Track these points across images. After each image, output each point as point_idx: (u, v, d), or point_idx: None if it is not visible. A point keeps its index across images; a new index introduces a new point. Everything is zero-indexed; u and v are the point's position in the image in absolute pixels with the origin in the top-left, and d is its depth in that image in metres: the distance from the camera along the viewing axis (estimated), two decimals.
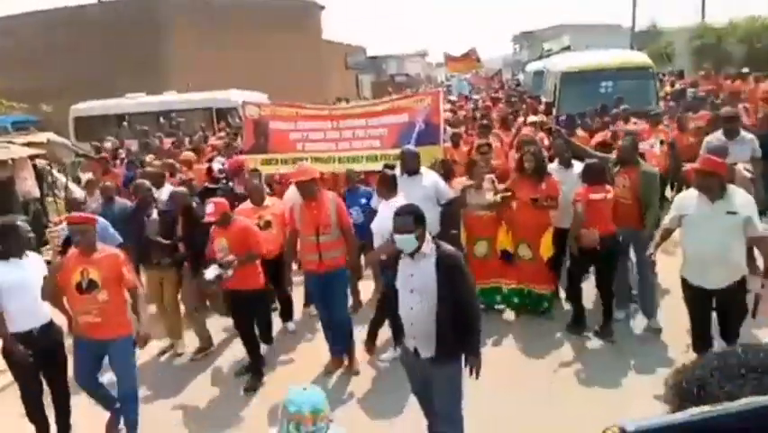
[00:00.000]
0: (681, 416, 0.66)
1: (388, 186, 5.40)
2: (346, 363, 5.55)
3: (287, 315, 6.49)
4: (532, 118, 9.69)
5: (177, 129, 15.40)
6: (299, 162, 6.41)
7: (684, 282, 4.87)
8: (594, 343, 5.70)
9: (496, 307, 6.45)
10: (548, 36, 41.91)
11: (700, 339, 4.96)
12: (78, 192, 8.80)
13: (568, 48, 29.83)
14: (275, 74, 26.17)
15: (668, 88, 13.80)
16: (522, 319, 6.28)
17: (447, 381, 3.74)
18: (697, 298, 4.85)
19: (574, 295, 5.91)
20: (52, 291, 4.45)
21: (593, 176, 5.65)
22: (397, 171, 5.93)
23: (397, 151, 6.61)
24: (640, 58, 13.06)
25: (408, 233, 3.57)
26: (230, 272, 5.15)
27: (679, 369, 1.16)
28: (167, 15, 27.43)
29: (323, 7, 36.69)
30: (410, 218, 3.60)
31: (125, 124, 16.73)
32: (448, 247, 3.74)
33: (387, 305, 4.01)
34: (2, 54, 24.24)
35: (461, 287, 3.64)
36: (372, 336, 5.72)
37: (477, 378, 3.70)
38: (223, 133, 14.00)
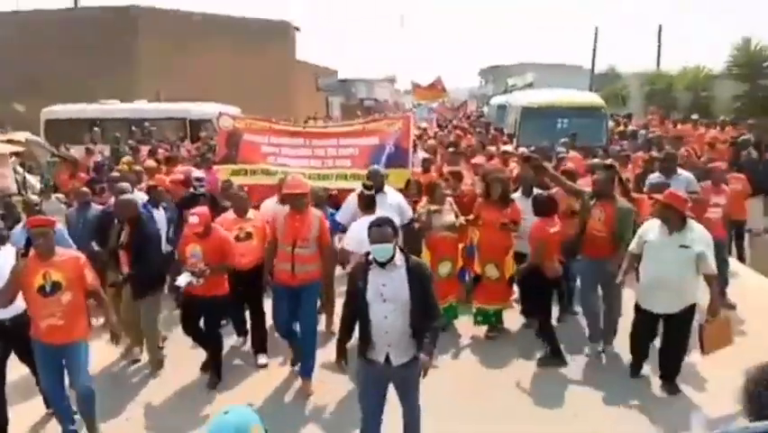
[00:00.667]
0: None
1: (366, 204, 5.63)
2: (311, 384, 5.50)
3: (259, 345, 6.20)
4: (505, 148, 10.06)
5: (149, 137, 15.67)
6: (290, 175, 6.35)
7: (636, 305, 5.28)
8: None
9: (455, 323, 6.74)
10: (513, 72, 43.31)
11: (634, 363, 5.43)
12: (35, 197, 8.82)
13: (531, 84, 31.18)
14: (246, 89, 26.54)
15: (621, 128, 14.81)
16: (482, 339, 6.58)
17: (416, 382, 3.99)
18: (642, 321, 5.24)
19: (547, 331, 5.94)
20: (14, 295, 4.46)
21: (542, 208, 5.84)
22: (355, 195, 6.16)
23: (366, 171, 6.81)
24: (594, 99, 14.15)
25: (386, 242, 3.74)
26: (201, 281, 5.26)
27: (746, 371, 1.67)
28: (141, 24, 27.67)
29: (297, 28, 37.40)
30: (387, 229, 3.78)
31: (96, 129, 16.91)
32: (414, 257, 3.99)
33: (349, 317, 4.04)
34: None
35: (430, 292, 3.87)
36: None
37: (423, 377, 3.92)
38: (199, 144, 14.38)
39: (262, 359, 6.11)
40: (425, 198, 6.70)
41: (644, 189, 6.73)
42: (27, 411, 5.16)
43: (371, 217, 4.98)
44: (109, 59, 25.47)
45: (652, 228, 5.09)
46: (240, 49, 29.73)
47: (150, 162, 9.53)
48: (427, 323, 3.86)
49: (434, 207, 6.50)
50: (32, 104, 18.51)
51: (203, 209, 5.65)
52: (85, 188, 7.34)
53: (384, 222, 3.88)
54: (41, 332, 4.44)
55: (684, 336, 5.13)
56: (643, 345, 5.42)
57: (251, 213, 6.19)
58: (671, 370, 5.28)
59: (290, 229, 5.30)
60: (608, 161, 7.15)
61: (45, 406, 5.11)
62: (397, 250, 3.83)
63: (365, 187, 5.99)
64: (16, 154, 9.71)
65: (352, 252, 5.46)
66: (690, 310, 5.05)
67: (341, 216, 6.37)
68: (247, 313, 6.43)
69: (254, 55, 30.44)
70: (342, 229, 6.30)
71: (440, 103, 26.83)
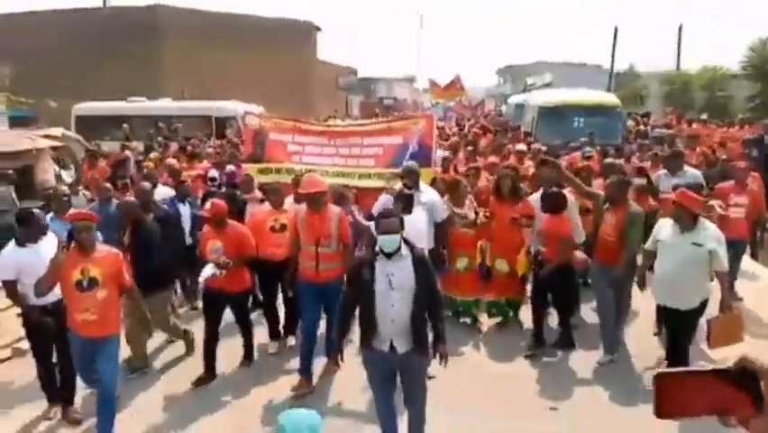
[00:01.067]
0: None
1: (404, 205, 5.48)
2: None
3: (272, 332, 6.35)
4: (519, 146, 10.05)
5: (175, 134, 16.20)
6: (307, 174, 6.32)
7: (657, 305, 5.54)
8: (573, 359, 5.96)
9: (470, 320, 6.82)
10: (530, 71, 43.45)
11: (669, 353, 5.42)
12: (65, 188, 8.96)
13: (549, 84, 31.31)
14: (268, 88, 27.11)
15: (641, 128, 14.96)
16: (497, 332, 6.69)
17: (421, 371, 4.08)
18: (664, 314, 5.47)
19: (537, 318, 6.17)
20: (52, 285, 4.47)
21: (551, 204, 5.94)
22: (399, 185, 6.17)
23: (390, 170, 7.03)
24: (609, 98, 14.39)
25: (394, 233, 3.89)
26: (223, 272, 5.37)
27: None
28: (166, 24, 28.42)
29: (319, 28, 37.92)
30: (395, 220, 3.94)
31: (125, 126, 17.52)
32: (418, 247, 4.11)
33: (352, 306, 4.17)
34: (14, 49, 24.91)
35: (434, 281, 4.03)
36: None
37: (445, 365, 3.99)
38: (222, 141, 14.83)
39: (272, 348, 6.23)
40: (447, 196, 6.80)
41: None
42: (26, 413, 5.12)
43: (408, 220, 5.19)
44: (135, 57, 26.22)
45: (664, 227, 5.18)
46: (262, 48, 30.35)
47: (171, 161, 9.62)
48: (432, 311, 4.00)
49: (455, 209, 6.61)
50: (61, 101, 19.16)
51: (219, 201, 5.79)
52: (107, 184, 7.38)
53: (391, 214, 4.04)
54: (76, 324, 4.52)
55: (692, 331, 5.23)
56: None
57: (286, 205, 6.25)
58: (677, 364, 5.25)
59: (310, 228, 5.35)
60: (640, 164, 7.23)
61: (47, 399, 5.10)
62: (403, 241, 3.96)
63: (405, 186, 5.93)
64: (54, 149, 10.20)
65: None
66: (702, 306, 5.13)
67: (375, 210, 6.25)
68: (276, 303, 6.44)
69: (276, 54, 31.02)
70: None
71: (457, 102, 27.08)
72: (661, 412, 0.86)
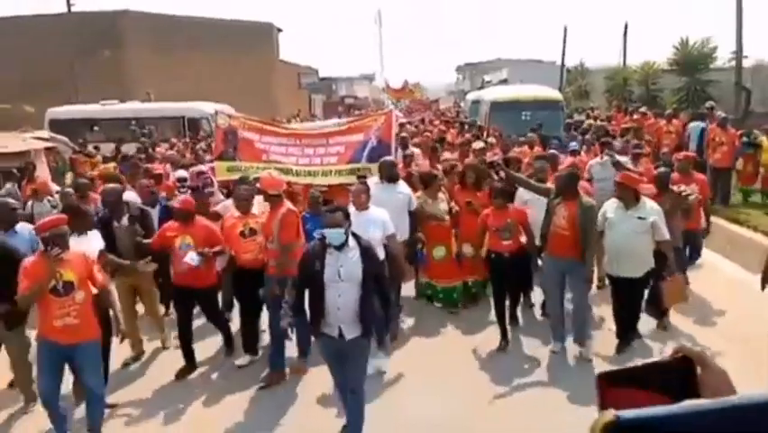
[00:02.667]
0: (677, 407, 0.63)
1: (365, 194, 5.65)
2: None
3: (249, 345, 5.98)
4: (477, 144, 10.09)
5: (148, 136, 16.96)
6: (267, 171, 6.23)
7: (608, 276, 5.96)
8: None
9: (449, 305, 7.05)
10: (488, 68, 45.28)
11: (618, 332, 5.84)
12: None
13: (505, 80, 33.01)
14: (232, 89, 27.83)
15: (591, 121, 16.32)
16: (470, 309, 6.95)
17: (363, 355, 4.34)
18: (615, 289, 5.84)
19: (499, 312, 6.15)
20: (34, 299, 4.36)
21: (499, 196, 6.08)
22: (375, 179, 6.43)
23: (349, 166, 7.37)
24: (552, 93, 15.87)
25: (339, 227, 4.05)
26: (203, 260, 5.45)
27: None
28: (131, 28, 28.90)
29: (280, 29, 38.75)
30: (340, 214, 4.12)
31: (97, 128, 18.20)
32: (364, 239, 4.32)
33: (301, 298, 4.35)
34: None
35: (382, 270, 4.27)
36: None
37: (393, 339, 4.59)
38: (186, 140, 15.57)
39: (242, 360, 5.90)
40: (420, 191, 6.98)
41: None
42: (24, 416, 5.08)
43: (366, 214, 5.50)
44: (100, 61, 26.67)
45: (610, 207, 5.67)
46: (225, 50, 31.06)
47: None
48: (382, 299, 4.27)
49: (430, 201, 6.84)
50: (36, 106, 19.72)
51: (187, 197, 5.98)
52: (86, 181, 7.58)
53: (336, 208, 4.28)
54: (55, 331, 4.35)
55: (641, 297, 5.81)
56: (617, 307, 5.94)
57: (256, 209, 5.98)
58: (627, 327, 5.85)
59: (266, 225, 5.55)
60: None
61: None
62: (350, 234, 4.15)
63: (360, 177, 6.25)
64: (48, 150, 11.01)
65: None
66: (647, 276, 5.66)
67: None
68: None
69: (239, 55, 31.79)
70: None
71: (413, 100, 29.79)
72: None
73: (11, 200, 6.27)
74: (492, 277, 6.25)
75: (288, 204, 5.65)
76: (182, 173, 8.02)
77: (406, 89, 29.49)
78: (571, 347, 5.84)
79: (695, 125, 11.91)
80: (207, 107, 17.96)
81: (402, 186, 6.64)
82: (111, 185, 6.54)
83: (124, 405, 5.19)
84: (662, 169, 6.72)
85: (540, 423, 4.65)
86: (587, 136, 11.53)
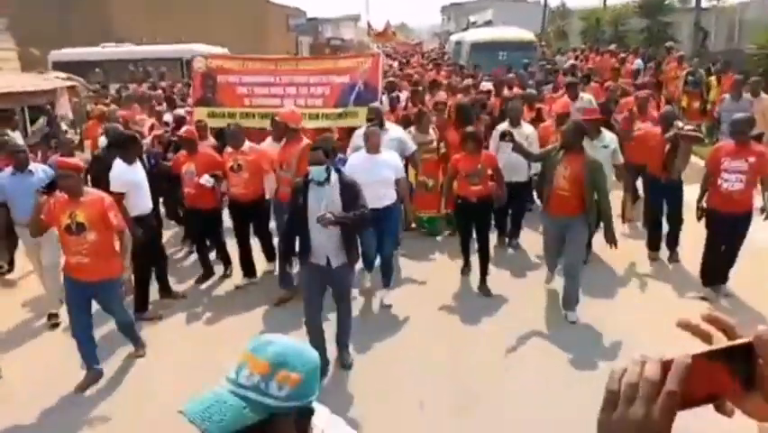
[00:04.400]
0: None
1: (376, 141, 5.79)
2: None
3: (246, 269, 6.63)
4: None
5: (147, 76, 17.95)
6: (286, 108, 6.77)
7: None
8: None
9: (434, 232, 7.68)
10: (472, 9, 45.63)
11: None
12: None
13: (490, 22, 33.76)
14: (222, 32, 28.35)
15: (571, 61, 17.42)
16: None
17: (348, 279, 4.82)
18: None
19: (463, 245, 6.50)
20: (38, 229, 4.80)
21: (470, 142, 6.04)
22: (362, 129, 6.31)
23: (337, 110, 7.44)
24: (527, 35, 17.23)
25: (321, 164, 4.40)
26: (217, 184, 6.26)
27: None
28: None
29: None
30: (321, 153, 4.44)
31: (98, 70, 19.10)
32: (346, 175, 4.68)
33: (291, 231, 4.75)
34: None
35: (359, 202, 4.54)
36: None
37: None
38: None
39: (244, 280, 6.58)
40: (413, 126, 7.44)
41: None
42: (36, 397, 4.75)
43: (377, 157, 5.69)
44: (93, 8, 27.13)
45: None
46: None
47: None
48: (360, 228, 4.78)
49: (421, 135, 7.26)
50: (40, 49, 20.51)
51: (191, 128, 6.71)
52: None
53: (318, 146, 4.59)
54: (71, 267, 4.68)
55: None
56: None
57: (246, 147, 6.35)
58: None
59: (281, 154, 6.20)
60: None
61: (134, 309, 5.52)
62: (332, 170, 4.52)
63: (372, 125, 6.23)
64: (71, 87, 12.18)
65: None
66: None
67: (350, 151, 6.64)
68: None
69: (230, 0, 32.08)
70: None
71: (398, 42, 30.96)
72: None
73: (15, 141, 6.99)
74: (458, 220, 6.50)
75: (306, 139, 6.19)
76: (168, 117, 8.19)
77: (388, 32, 29.44)
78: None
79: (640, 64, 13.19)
80: (202, 49, 18.85)
81: (393, 131, 6.71)
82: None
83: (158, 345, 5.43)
84: (667, 108, 7.35)
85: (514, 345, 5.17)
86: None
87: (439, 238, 7.72)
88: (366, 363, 5.02)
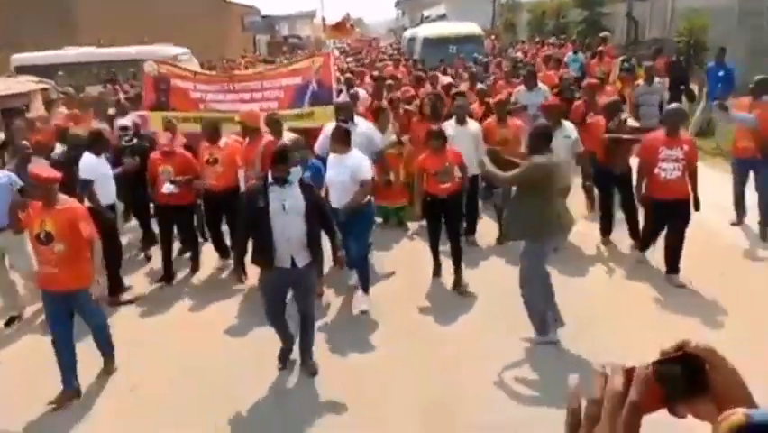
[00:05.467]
0: None
1: (343, 140, 5.56)
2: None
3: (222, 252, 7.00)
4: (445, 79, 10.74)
5: (114, 78, 18.41)
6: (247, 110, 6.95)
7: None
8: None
9: (398, 223, 7.85)
10: (427, 3, 46.74)
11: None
12: None
13: (444, 16, 34.89)
14: (180, 33, 28.78)
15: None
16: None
17: (313, 280, 4.80)
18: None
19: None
20: (15, 224, 5.27)
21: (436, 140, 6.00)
22: (331, 125, 6.26)
23: (291, 111, 7.40)
24: (474, 29, 18.55)
25: (296, 165, 4.74)
26: (178, 189, 6.43)
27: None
28: None
29: None
30: (296, 154, 4.83)
31: (60, 73, 19.43)
32: (305, 176, 4.93)
33: (245, 232, 4.67)
34: None
35: (322, 202, 4.71)
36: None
37: (342, 267, 5.19)
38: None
39: (220, 262, 7.03)
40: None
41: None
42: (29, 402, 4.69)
43: (347, 159, 5.53)
44: (51, 9, 27.21)
45: None
46: None
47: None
48: (325, 227, 4.71)
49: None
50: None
51: (167, 133, 6.99)
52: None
53: (293, 148, 4.84)
54: (42, 278, 4.64)
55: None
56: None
57: (223, 141, 6.68)
58: None
59: (245, 153, 6.48)
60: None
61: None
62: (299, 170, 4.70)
63: (340, 121, 6.32)
64: (44, 90, 12.73)
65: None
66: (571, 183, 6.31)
67: (318, 147, 6.59)
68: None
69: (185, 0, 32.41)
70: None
71: (353, 39, 30.06)
72: None
73: None
74: (428, 219, 6.22)
75: (268, 135, 6.33)
76: (124, 122, 7.78)
77: (346, 26, 28.75)
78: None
79: (572, 57, 14.10)
80: (168, 50, 19.45)
81: (362, 125, 6.63)
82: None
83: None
84: (614, 98, 7.51)
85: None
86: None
87: (413, 226, 7.74)
88: (335, 368, 4.89)
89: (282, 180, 4.41)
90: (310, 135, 6.96)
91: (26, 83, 12.42)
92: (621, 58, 13.13)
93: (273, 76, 7.76)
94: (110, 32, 26.14)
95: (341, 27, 27.78)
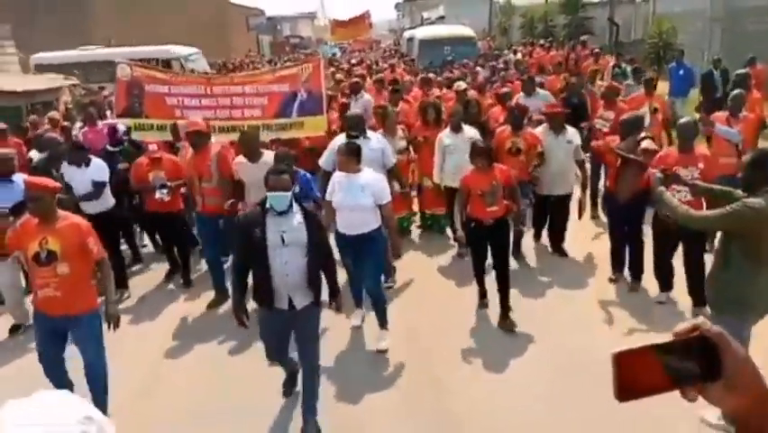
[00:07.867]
0: None
1: (353, 158, 4.98)
2: None
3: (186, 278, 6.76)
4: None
5: None
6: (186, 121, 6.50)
7: (535, 193, 6.58)
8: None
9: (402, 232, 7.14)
10: (426, 5, 47.90)
11: (536, 233, 6.93)
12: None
13: (443, 17, 36.05)
14: (187, 33, 29.88)
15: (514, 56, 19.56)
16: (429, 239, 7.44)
17: (315, 326, 4.09)
18: (540, 203, 6.61)
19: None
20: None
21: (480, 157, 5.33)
22: (341, 137, 5.97)
23: (278, 121, 6.97)
24: (468, 31, 19.88)
25: (285, 190, 3.76)
26: (170, 196, 6.27)
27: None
28: None
29: None
30: (285, 177, 3.80)
31: (76, 71, 20.59)
32: (308, 204, 4.39)
33: (244, 266, 4.04)
34: None
35: (325, 236, 4.12)
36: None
37: (340, 311, 4.29)
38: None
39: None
40: (380, 129, 7.09)
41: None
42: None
43: (356, 179, 4.90)
44: (64, 7, 28.40)
45: (544, 135, 6.39)
46: None
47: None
48: (325, 265, 4.05)
49: (389, 138, 6.77)
50: (21, 51, 21.93)
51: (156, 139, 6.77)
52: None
53: (281, 170, 3.90)
54: (39, 302, 4.13)
55: (568, 212, 6.59)
56: (542, 223, 6.89)
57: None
58: (560, 238, 6.75)
59: (197, 165, 5.94)
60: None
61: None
62: (293, 198, 3.89)
63: (350, 137, 5.82)
64: (74, 86, 13.93)
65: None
66: (571, 192, 6.54)
67: (324, 162, 6.26)
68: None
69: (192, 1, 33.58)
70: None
71: (355, 40, 28.06)
72: (622, 394, 0.77)
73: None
74: (472, 246, 5.59)
75: (217, 145, 6.12)
76: (118, 125, 7.94)
77: (365, 22, 24.65)
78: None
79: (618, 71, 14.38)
80: (178, 49, 20.63)
81: (375, 140, 6.14)
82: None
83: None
84: (635, 113, 6.61)
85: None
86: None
87: (414, 234, 7.69)
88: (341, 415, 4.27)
89: (282, 210, 3.84)
90: (298, 146, 6.90)
91: (56, 79, 13.61)
92: (612, 63, 13.55)
93: (257, 81, 7.28)
94: (120, 32, 27.30)
95: (358, 24, 24.96)
